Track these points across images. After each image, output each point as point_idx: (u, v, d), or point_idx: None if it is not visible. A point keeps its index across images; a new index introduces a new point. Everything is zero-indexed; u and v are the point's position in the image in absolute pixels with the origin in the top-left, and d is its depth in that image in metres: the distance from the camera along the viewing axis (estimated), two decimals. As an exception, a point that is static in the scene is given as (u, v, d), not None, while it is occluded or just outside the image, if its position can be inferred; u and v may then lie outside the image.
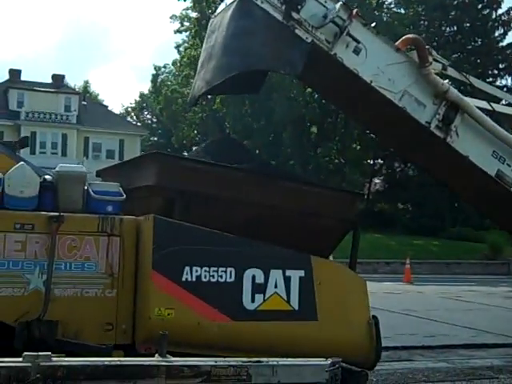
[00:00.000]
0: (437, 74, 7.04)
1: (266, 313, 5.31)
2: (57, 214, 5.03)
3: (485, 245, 31.93)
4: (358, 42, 6.43)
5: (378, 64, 6.60)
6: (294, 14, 6.18)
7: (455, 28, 39.98)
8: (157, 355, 4.37)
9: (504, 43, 39.66)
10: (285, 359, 4.58)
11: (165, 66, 61.78)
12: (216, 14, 6.87)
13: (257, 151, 42.98)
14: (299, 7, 6.20)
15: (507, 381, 8.13)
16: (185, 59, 46.85)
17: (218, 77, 6.21)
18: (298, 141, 38.61)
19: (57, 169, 5.45)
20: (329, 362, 4.60)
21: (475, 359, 9.32)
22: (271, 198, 5.62)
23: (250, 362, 4.43)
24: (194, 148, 48.71)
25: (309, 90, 35.99)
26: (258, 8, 6.13)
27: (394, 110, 6.70)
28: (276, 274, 5.36)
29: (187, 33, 48.74)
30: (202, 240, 5.20)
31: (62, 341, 4.88)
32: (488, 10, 39.61)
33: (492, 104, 7.97)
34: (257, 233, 5.41)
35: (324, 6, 6.33)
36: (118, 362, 4.19)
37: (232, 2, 6.34)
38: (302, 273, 5.46)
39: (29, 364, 3.94)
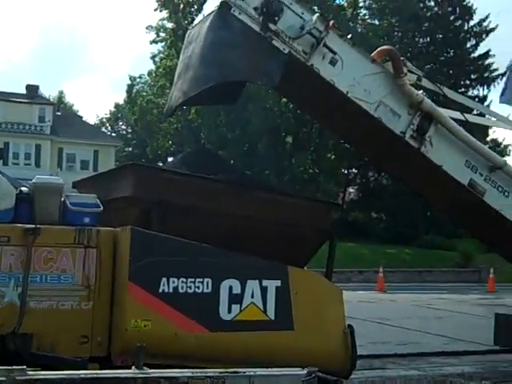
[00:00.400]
0: (411, 84, 7.14)
1: (242, 323, 5.31)
2: (33, 226, 4.99)
3: (456, 253, 32.28)
4: (334, 53, 6.51)
5: (354, 75, 6.69)
6: (272, 26, 6.24)
7: (428, 39, 40.49)
8: (133, 367, 4.34)
9: (476, 54, 40.18)
10: (261, 369, 4.56)
11: (140, 77, 61.64)
12: (194, 24, 6.89)
13: (232, 161, 43.04)
14: (276, 18, 6.26)
15: (477, 387, 8.23)
16: (160, 69, 46.81)
17: (194, 88, 6.22)
18: (273, 151, 38.73)
19: (33, 180, 5.40)
20: (305, 371, 4.60)
21: (446, 367, 9.37)
22: (247, 209, 5.64)
23: (226, 372, 4.41)
24: (169, 159, 48.61)
25: (284, 100, 36.12)
26: (235, 19, 6.17)
27: (369, 121, 6.78)
28: (253, 285, 5.37)
29: (163, 43, 48.67)
30: (179, 251, 5.19)
31: (36, 354, 4.82)
32: (460, 22, 40.17)
33: (465, 114, 8.11)
34: (233, 243, 5.41)
35: (301, 18, 6.39)
36: (95, 375, 4.16)
37: (210, 13, 6.36)
38: (278, 283, 5.47)
39: (3, 378, 3.89)
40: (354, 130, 7.30)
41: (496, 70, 37.65)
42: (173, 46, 42.30)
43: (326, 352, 5.57)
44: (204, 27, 6.36)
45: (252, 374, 4.48)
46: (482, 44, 39.91)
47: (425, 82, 7.39)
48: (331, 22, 6.56)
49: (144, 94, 55.92)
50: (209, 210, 5.53)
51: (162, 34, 47.77)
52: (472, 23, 39.86)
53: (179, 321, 5.10)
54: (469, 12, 39.75)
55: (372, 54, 6.99)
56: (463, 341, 11.06)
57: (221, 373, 4.39)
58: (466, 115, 8.28)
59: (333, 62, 6.58)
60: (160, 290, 5.05)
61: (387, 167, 8.56)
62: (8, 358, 4.54)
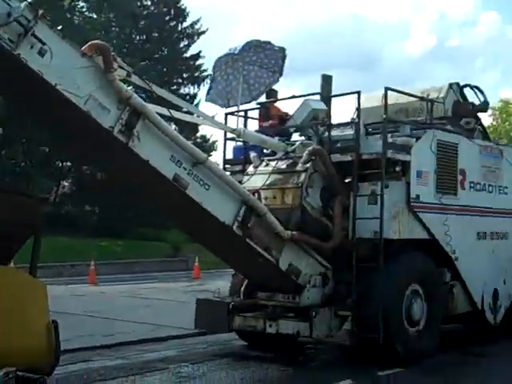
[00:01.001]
0: (121, 80, 7.34)
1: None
2: None
3: (167, 244, 33.50)
4: (43, 43, 6.44)
5: (63, 67, 6.68)
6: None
7: (144, 37, 41.07)
8: None
9: (188, 54, 41.72)
10: None
11: None
12: None
13: None
14: (-21, 3, 6.00)
15: (177, 369, 8.72)
16: None
17: None
18: None
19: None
20: (1, 373, 4.52)
21: (150, 353, 9.76)
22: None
23: None
24: None
25: None
26: None
27: (79, 114, 6.82)
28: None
29: None
30: None
31: None
32: (174, 23, 41.49)
33: (173, 111, 8.57)
34: None
35: (8, 4, 6.21)
36: None
37: None
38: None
39: None
40: (64, 123, 7.27)
41: (206, 70, 39.61)
42: None
43: (28, 349, 5.47)
44: None
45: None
46: (193, 45, 41.64)
47: (134, 79, 7.64)
48: (40, 12, 6.48)
49: None
50: None
51: None
52: (185, 25, 41.51)
53: None
54: (182, 14, 41.35)
55: (83, 48, 7.03)
56: (168, 327, 11.57)
57: None
58: (174, 112, 8.75)
59: (41, 53, 6.48)
60: None
61: (97, 161, 8.66)
62: None
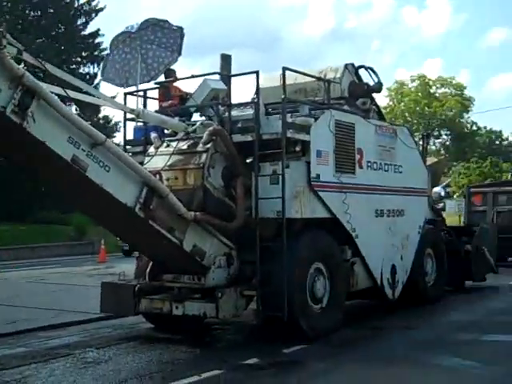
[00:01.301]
0: (14, 59, 7.03)
1: None
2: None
3: (71, 227, 32.75)
4: None
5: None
6: None
7: (39, 13, 39.47)
8: None
9: (86, 32, 40.48)
10: None
11: None
12: None
13: None
14: None
15: (82, 355, 8.56)
16: None
17: None
18: None
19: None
20: None
21: (53, 339, 9.53)
22: None
23: None
24: None
25: None
26: None
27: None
28: None
29: None
30: None
31: None
32: None
33: (68, 91, 8.31)
34: None
35: None
36: None
37: None
38: None
39: None
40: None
41: (105, 49, 38.51)
42: None
43: None
44: None
45: None
46: (91, 23, 40.40)
47: (26, 57, 7.35)
48: None
49: None
50: None
51: None
52: (82, 1, 40.18)
53: None
54: None
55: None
56: (72, 311, 11.37)
57: None
58: (72, 92, 8.49)
59: None
60: None
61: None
62: None
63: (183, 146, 9.10)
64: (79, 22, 40.38)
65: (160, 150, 9.24)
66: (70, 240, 32.35)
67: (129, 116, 9.94)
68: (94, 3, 40.37)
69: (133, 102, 10.16)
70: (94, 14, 40.51)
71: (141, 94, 10.26)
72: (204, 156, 8.71)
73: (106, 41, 39.57)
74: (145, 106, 10.11)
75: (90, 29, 40.41)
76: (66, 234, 32.58)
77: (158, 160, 9.03)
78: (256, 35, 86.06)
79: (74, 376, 7.54)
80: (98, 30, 40.30)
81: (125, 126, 10.31)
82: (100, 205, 8.06)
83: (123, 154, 8.07)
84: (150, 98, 10.42)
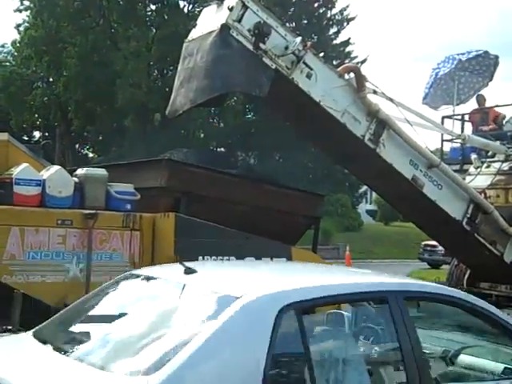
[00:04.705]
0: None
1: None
2: (93, 211, 5.97)
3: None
4: (311, 68, 7.79)
5: (325, 87, 7.98)
6: (262, 45, 7.39)
7: (294, 24, 41.60)
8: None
9: (338, 41, 41.99)
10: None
11: (3, 46, 57.66)
12: (190, 39, 7.87)
13: (100, 137, 42.36)
14: (266, 39, 7.43)
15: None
16: (25, 40, 44.71)
17: (201, 96, 7.31)
18: (142, 128, 38.53)
19: (82, 171, 6.35)
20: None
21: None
22: (257, 199, 6.85)
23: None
24: (35, 133, 46.81)
25: (152, 77, 36.33)
26: (234, 39, 7.29)
27: (337, 125, 8.11)
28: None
29: (27, 12, 46.24)
30: (211, 234, 6.33)
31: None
32: (324, 9, 41.83)
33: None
34: (245, 227, 6.60)
35: (284, 39, 7.62)
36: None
37: (210, 32, 7.42)
38: (284, 260, 6.73)
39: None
40: (325, 135, 8.60)
41: (356, 57, 39.92)
42: (38, 16, 40.88)
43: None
44: (205, 44, 7.40)
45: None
46: (343, 31, 41.92)
47: (380, 94, 8.80)
48: (309, 43, 7.86)
49: (7, 64, 52.88)
50: (226, 199, 6.70)
51: (26, 3, 45.35)
52: (334, 11, 41.81)
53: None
54: (331, 0, 41.74)
55: (338, 69, 8.34)
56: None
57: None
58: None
59: (309, 76, 7.86)
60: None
61: (348, 165, 9.99)
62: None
63: (504, 167, 9.96)
64: (331, 32, 42.01)
65: (482, 170, 10.20)
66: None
67: (445, 138, 11.04)
68: (345, 12, 41.75)
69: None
70: (345, 23, 41.91)
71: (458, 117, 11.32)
72: (525, 177, 9.51)
73: (355, 49, 40.52)
74: (462, 129, 11.14)
75: (341, 38, 41.77)
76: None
77: (480, 179, 9.99)
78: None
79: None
80: (349, 38, 41.66)
81: (442, 147, 11.42)
82: (432, 217, 9.23)
83: (454, 174, 9.17)
84: (467, 121, 11.42)
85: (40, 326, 4.07)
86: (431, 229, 9.93)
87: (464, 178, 10.02)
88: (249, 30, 7.32)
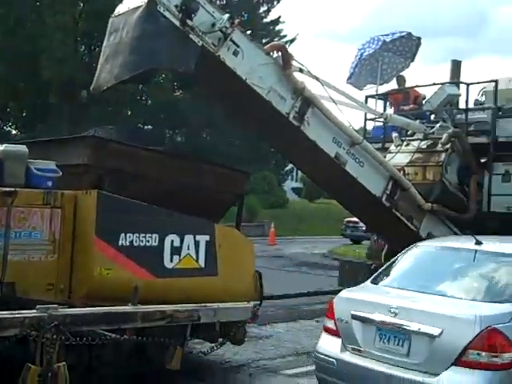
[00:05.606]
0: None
1: (180, 270, 6.53)
2: (12, 189, 5.79)
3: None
4: (237, 46, 7.76)
5: (251, 64, 7.97)
6: (189, 21, 7.32)
7: (225, 1, 41.04)
8: (130, 304, 5.45)
9: (268, 19, 41.88)
10: (222, 303, 5.89)
11: None
12: (116, 14, 7.68)
13: (24, 113, 40.99)
14: (193, 16, 7.35)
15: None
16: None
17: (125, 73, 7.21)
18: (68, 104, 37.53)
19: (1, 148, 6.15)
20: (251, 304, 6.01)
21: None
22: (183, 175, 6.81)
23: (199, 306, 5.70)
24: None
25: (79, 53, 35.31)
26: (160, 15, 7.18)
27: (261, 103, 8.14)
28: (189, 239, 6.62)
29: None
30: (134, 211, 6.27)
31: (20, 298, 5.69)
32: None
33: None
34: (169, 204, 6.54)
35: (212, 16, 7.56)
36: (107, 311, 5.23)
37: (137, 8, 7.28)
38: (207, 237, 6.75)
39: (44, 314, 4.83)
40: (250, 112, 8.61)
41: (285, 36, 39.98)
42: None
43: (244, 291, 6.95)
44: (131, 19, 7.25)
45: (216, 307, 5.81)
46: (273, 10, 41.75)
47: (306, 73, 8.85)
48: (237, 21, 7.83)
49: None
50: (149, 176, 6.63)
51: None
52: None
53: (133, 269, 6.22)
54: None
55: (265, 47, 8.35)
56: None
57: (195, 307, 5.66)
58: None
59: (235, 53, 7.82)
60: (119, 244, 6.14)
61: (273, 143, 10.03)
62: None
63: (423, 145, 10.28)
64: (261, 10, 41.73)
65: (402, 148, 10.48)
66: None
67: (369, 117, 11.26)
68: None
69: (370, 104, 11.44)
70: (276, 2, 41.74)
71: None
72: (443, 155, 9.85)
73: (285, 28, 40.32)
74: (385, 108, 11.38)
75: (271, 16, 41.61)
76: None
77: (400, 157, 10.28)
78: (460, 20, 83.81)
79: (236, 348, 7.74)
80: (279, 17, 41.55)
81: (365, 125, 11.66)
82: (352, 194, 9.45)
83: (376, 152, 9.40)
84: (389, 101, 11.67)
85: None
86: (353, 205, 10.17)
87: (385, 156, 10.29)
88: (176, 6, 7.26)
